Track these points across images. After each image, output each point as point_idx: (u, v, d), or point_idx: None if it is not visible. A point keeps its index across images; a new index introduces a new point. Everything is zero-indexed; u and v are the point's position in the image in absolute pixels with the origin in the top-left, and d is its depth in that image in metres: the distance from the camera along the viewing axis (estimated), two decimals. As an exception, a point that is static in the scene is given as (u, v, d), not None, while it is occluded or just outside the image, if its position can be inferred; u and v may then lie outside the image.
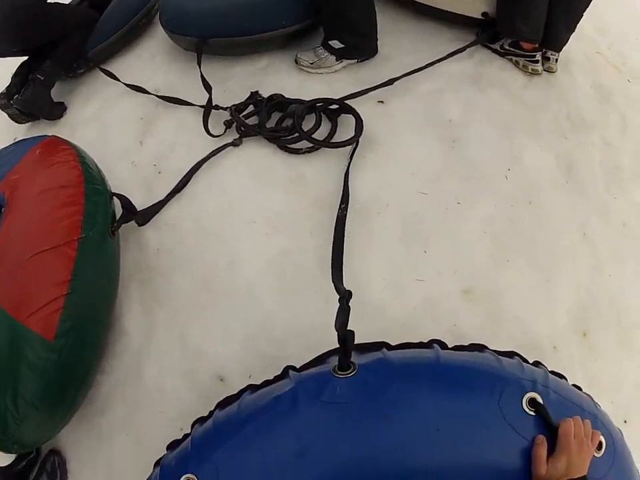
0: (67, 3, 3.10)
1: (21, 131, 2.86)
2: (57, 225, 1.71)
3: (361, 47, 2.42)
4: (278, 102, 2.18)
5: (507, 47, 2.48)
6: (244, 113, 2.21)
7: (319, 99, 2.14)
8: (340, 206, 1.84)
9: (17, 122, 2.85)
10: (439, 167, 2.04)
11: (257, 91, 2.26)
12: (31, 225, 1.73)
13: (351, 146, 2.02)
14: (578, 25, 2.46)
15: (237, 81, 2.43)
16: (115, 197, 1.93)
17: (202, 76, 2.38)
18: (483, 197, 1.99)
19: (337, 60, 2.39)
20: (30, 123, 2.87)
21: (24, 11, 2.70)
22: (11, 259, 1.67)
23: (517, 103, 2.33)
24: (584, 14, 2.44)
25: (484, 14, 2.49)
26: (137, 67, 2.82)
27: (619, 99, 2.59)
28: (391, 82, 2.24)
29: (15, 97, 2.75)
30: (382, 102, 2.21)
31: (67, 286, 1.62)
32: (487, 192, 2.00)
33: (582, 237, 2.00)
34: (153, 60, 2.86)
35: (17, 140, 2.78)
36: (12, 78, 2.87)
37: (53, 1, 2.82)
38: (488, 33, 2.52)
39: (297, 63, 2.46)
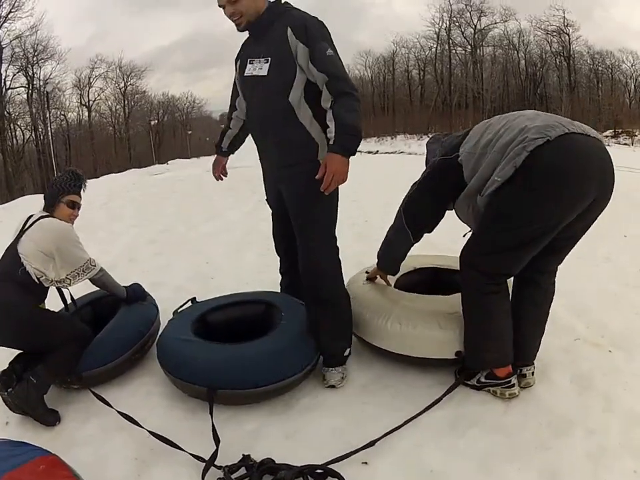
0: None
1: (15, 418, 2.88)
2: None
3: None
4: (269, 467, 2.33)
5: (483, 380, 2.73)
6: (236, 474, 2.32)
7: (306, 465, 2.30)
8: None
9: (9, 408, 2.84)
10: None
11: (248, 455, 2.39)
12: None
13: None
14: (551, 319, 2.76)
15: (229, 437, 2.55)
16: None
17: (213, 428, 2.51)
18: None
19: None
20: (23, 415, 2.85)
21: (13, 316, 2.85)
22: None
23: (496, 433, 2.47)
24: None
25: (457, 353, 2.81)
26: (132, 402, 2.91)
27: (598, 381, 2.82)
28: (371, 444, 2.40)
29: (9, 389, 2.78)
30: (366, 463, 2.36)
31: None
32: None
33: None
34: (148, 398, 3.00)
35: (8, 423, 2.86)
36: (9, 363, 2.96)
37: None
38: (465, 373, 2.80)
39: (326, 380, 2.94)
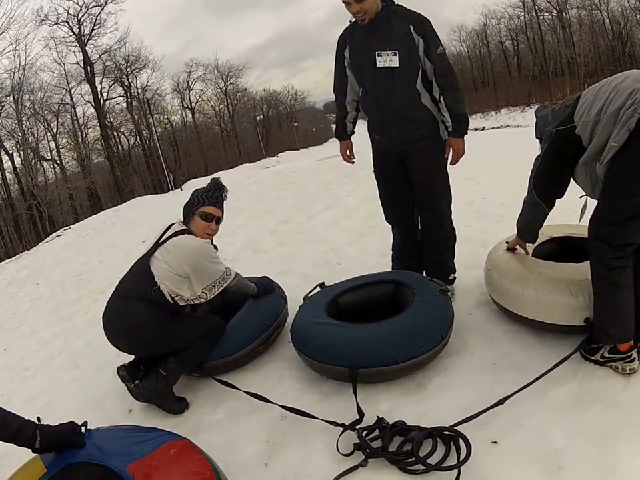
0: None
1: (138, 405, 3.18)
2: None
3: None
4: (401, 428, 2.52)
5: (607, 355, 2.75)
6: (370, 436, 2.52)
7: (435, 427, 2.47)
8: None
9: (133, 397, 3.10)
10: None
11: (382, 418, 2.59)
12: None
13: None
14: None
15: (364, 418, 2.67)
16: None
17: (357, 405, 2.72)
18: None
19: None
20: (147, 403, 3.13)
21: (143, 335, 3.04)
22: None
23: (617, 409, 2.49)
24: None
25: (586, 320, 2.87)
26: (265, 387, 3.13)
27: None
28: (501, 402, 2.57)
29: (136, 381, 3.01)
30: (495, 442, 2.44)
31: None
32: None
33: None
34: (281, 383, 3.21)
35: (131, 411, 3.16)
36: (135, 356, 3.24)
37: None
38: (585, 341, 2.85)
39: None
